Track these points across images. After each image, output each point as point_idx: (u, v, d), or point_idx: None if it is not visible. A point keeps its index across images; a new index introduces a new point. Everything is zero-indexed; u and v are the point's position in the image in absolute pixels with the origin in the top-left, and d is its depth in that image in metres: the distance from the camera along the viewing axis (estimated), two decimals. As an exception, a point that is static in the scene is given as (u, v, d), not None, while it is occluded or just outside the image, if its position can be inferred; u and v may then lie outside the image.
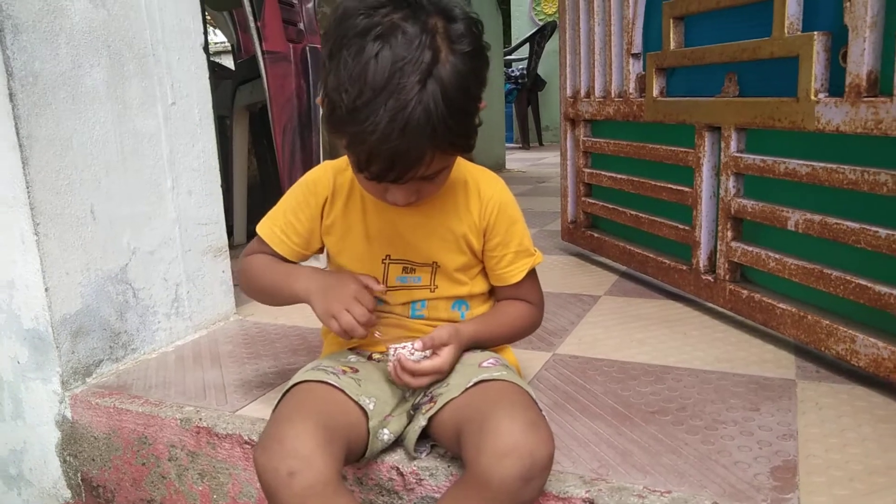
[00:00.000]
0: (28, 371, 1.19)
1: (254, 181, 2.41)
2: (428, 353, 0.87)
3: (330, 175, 0.95)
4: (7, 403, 1.23)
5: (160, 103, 1.31)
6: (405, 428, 0.90)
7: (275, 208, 0.99)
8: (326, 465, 0.73)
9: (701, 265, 1.39)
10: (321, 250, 1.01)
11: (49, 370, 1.17)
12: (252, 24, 1.81)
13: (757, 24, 1.19)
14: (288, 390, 0.87)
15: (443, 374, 0.88)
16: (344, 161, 0.95)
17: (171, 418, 1.07)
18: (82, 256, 1.19)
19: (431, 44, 0.71)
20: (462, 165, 0.93)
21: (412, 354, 0.86)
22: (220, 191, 1.46)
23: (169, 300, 1.36)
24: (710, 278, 1.36)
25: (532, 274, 0.98)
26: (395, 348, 0.87)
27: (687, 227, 1.42)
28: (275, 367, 1.23)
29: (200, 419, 1.05)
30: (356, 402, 0.85)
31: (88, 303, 1.20)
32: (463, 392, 0.83)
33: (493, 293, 1.01)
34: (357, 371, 0.92)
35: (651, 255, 1.56)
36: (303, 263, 1.00)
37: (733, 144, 1.26)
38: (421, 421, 0.86)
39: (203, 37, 1.41)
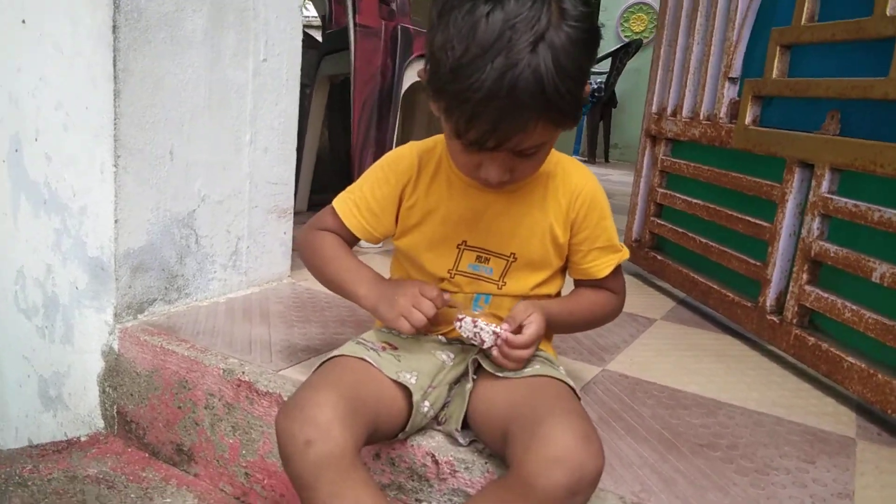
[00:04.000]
0: (84, 298, 1.21)
1: (323, 152, 2.42)
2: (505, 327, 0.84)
3: (415, 154, 0.93)
4: (59, 326, 1.26)
5: (252, 57, 1.32)
6: (445, 401, 0.90)
7: (353, 184, 0.97)
8: (344, 439, 0.72)
9: (768, 304, 1.33)
10: (388, 237, 0.98)
11: (104, 300, 1.19)
12: (348, -4, 1.82)
13: (872, 63, 1.13)
14: (324, 362, 0.87)
15: (535, 347, 0.86)
16: (431, 141, 0.94)
17: (214, 367, 1.08)
18: (154, 195, 1.20)
19: (547, 9, 0.68)
20: (552, 154, 0.89)
21: (502, 333, 0.83)
22: (294, 153, 1.46)
23: (228, 252, 1.37)
24: (775, 319, 1.31)
25: (617, 267, 0.95)
26: (478, 330, 0.84)
27: (759, 263, 1.37)
28: (322, 334, 1.23)
29: (243, 373, 1.05)
30: (395, 381, 0.84)
31: (153, 241, 1.22)
32: (519, 378, 0.83)
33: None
34: (396, 348, 0.91)
35: (715, 287, 1.51)
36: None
37: (825, 184, 1.20)
38: (466, 394, 0.86)
39: (302, -1, 1.41)
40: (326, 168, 2.34)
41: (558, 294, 0.98)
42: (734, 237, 1.48)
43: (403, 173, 0.93)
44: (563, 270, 0.97)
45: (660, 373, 1.20)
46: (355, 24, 1.82)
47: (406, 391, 0.84)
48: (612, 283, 0.96)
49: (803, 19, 1.28)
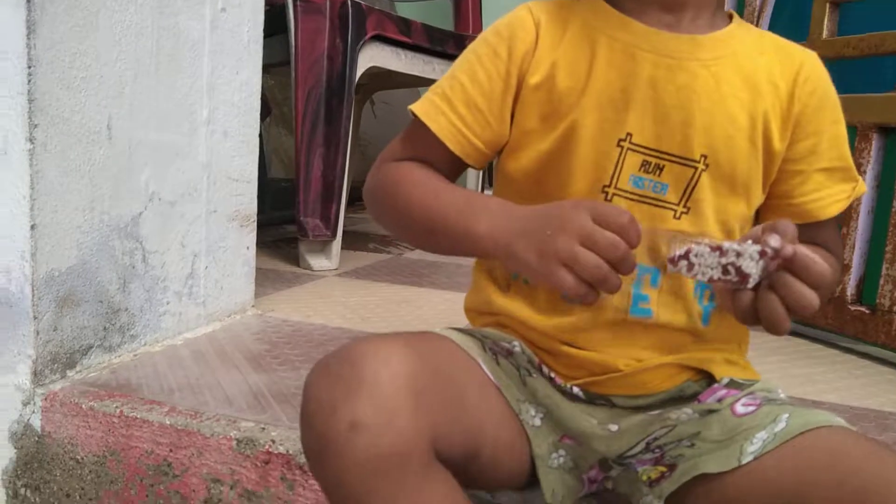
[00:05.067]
0: (-23, 353, 0.78)
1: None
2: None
3: (533, 14, 0.60)
4: (-70, 401, 0.81)
5: (209, 4, 0.96)
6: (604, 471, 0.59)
7: (441, 80, 0.62)
8: (417, 429, 0.45)
9: (848, 294, 1.15)
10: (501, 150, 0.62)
11: (14, 353, 0.77)
12: (284, -36, 1.48)
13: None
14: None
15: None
16: None
17: (219, 437, 0.70)
18: (87, 189, 0.80)
19: None
20: (750, 27, 0.62)
21: (778, 244, 0.46)
22: (257, 141, 1.10)
23: (183, 274, 0.97)
24: (863, 310, 1.13)
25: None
26: (728, 259, 0.47)
27: (827, 249, 1.19)
28: (345, 375, 0.88)
29: (272, 441, 0.68)
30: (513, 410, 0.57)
31: (86, 258, 0.81)
32: (777, 446, 0.50)
33: None
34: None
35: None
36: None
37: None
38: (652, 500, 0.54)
39: (264, -64, 1.07)
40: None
41: None
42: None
43: (521, 37, 0.59)
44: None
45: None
46: (294, 0, 1.48)
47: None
48: (832, 237, 0.63)
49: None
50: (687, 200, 0.57)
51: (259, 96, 1.09)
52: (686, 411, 0.57)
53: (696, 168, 0.56)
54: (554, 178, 0.58)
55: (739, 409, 0.56)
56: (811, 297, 0.45)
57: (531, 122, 0.59)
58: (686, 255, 0.48)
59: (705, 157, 0.56)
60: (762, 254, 0.46)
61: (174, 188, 0.93)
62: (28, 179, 0.73)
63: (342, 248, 1.59)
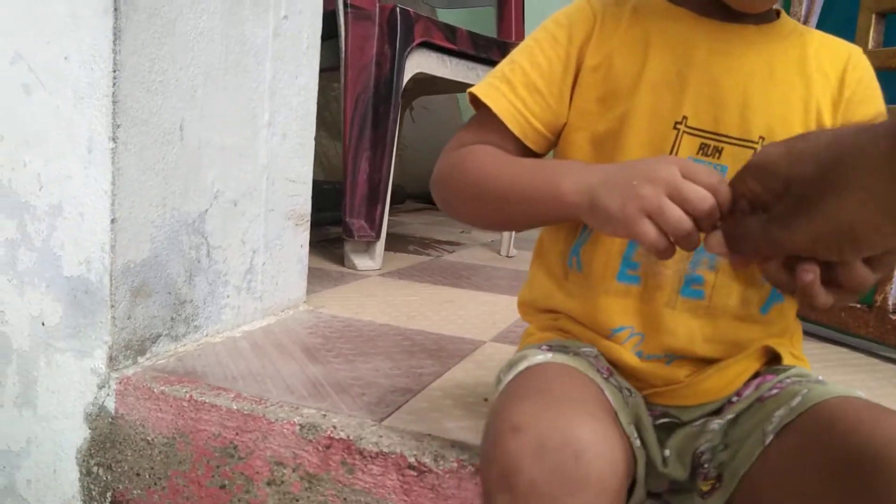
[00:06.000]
0: (56, 338, 0.83)
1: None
2: None
3: (591, 4, 0.63)
4: (12, 382, 0.86)
5: (272, 12, 1.01)
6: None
7: (499, 65, 0.64)
8: (624, 464, 0.47)
9: (890, 303, 1.16)
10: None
11: (92, 339, 0.82)
12: (336, -28, 1.53)
13: None
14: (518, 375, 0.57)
15: None
16: None
17: (283, 422, 0.74)
18: (161, 186, 0.85)
19: None
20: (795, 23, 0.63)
21: None
22: (313, 143, 1.15)
23: (243, 269, 1.02)
24: (906, 319, 1.13)
25: None
26: None
27: (869, 258, 1.20)
28: (396, 368, 0.91)
29: (334, 427, 0.72)
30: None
31: (158, 252, 0.86)
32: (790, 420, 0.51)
33: None
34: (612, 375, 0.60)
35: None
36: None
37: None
38: None
39: (323, -53, 1.12)
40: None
41: None
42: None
43: (581, 24, 0.62)
44: None
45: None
46: (346, 5, 1.53)
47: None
48: None
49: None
50: None
51: (315, 100, 1.14)
52: (720, 421, 0.58)
53: (754, 149, 0.57)
54: (609, 160, 0.58)
55: (766, 394, 0.57)
56: (867, 275, 0.45)
57: (588, 103, 0.61)
58: None
59: (763, 138, 0.58)
60: None
61: (237, 187, 0.98)
62: (110, 176, 0.78)
63: (384, 249, 1.63)
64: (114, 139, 0.78)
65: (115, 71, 0.77)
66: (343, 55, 1.54)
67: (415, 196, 3.24)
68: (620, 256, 0.60)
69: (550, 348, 0.60)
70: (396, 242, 2.01)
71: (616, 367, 0.61)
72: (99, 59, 0.77)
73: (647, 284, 0.60)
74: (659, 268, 0.58)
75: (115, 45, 0.76)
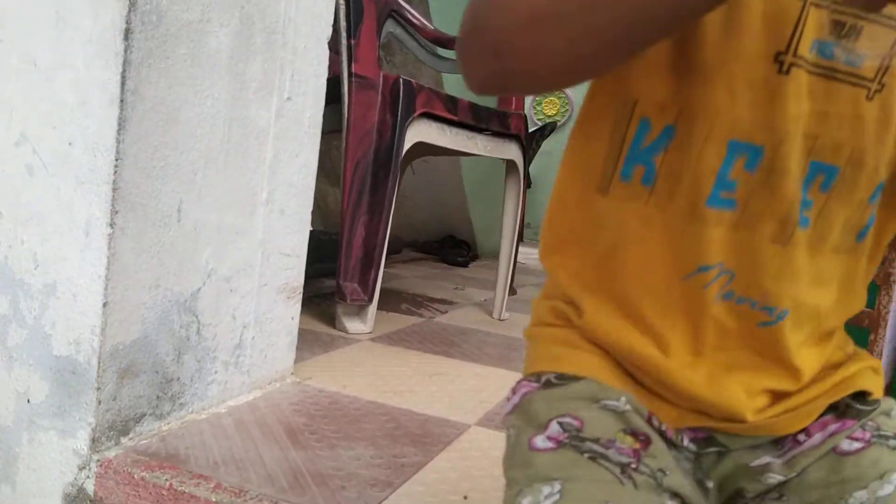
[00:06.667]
0: (41, 416, 0.84)
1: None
2: None
3: None
4: (-8, 457, 0.86)
5: (276, 94, 1.03)
6: None
7: None
8: None
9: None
10: None
11: (76, 419, 0.82)
12: (343, 42, 1.57)
13: None
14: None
15: None
16: None
17: (261, 518, 0.74)
18: (155, 268, 0.86)
19: None
20: None
21: None
22: (309, 217, 1.16)
23: (232, 345, 1.03)
24: None
25: None
26: None
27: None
28: (378, 456, 0.91)
29: (311, 527, 0.72)
30: None
31: (147, 332, 0.87)
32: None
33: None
34: (649, 443, 0.47)
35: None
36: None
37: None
38: None
39: (330, 30, 1.15)
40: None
41: None
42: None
43: None
44: None
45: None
46: (350, 74, 1.57)
47: None
48: None
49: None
50: (884, 74, 0.45)
51: (315, 176, 1.16)
52: (779, 463, 0.49)
53: None
54: (721, 36, 0.46)
55: (844, 445, 0.48)
56: None
57: None
58: None
59: None
60: None
61: (232, 265, 0.99)
62: (105, 261, 0.79)
63: (376, 309, 1.63)
64: (111, 224, 0.79)
65: (117, 159, 0.78)
66: (345, 121, 1.57)
67: (411, 245, 3.27)
68: (715, 174, 0.47)
69: (591, 455, 0.46)
70: (389, 300, 2.02)
71: (656, 397, 0.50)
72: (102, 147, 0.78)
73: (747, 210, 0.48)
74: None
75: (119, 134, 0.78)
